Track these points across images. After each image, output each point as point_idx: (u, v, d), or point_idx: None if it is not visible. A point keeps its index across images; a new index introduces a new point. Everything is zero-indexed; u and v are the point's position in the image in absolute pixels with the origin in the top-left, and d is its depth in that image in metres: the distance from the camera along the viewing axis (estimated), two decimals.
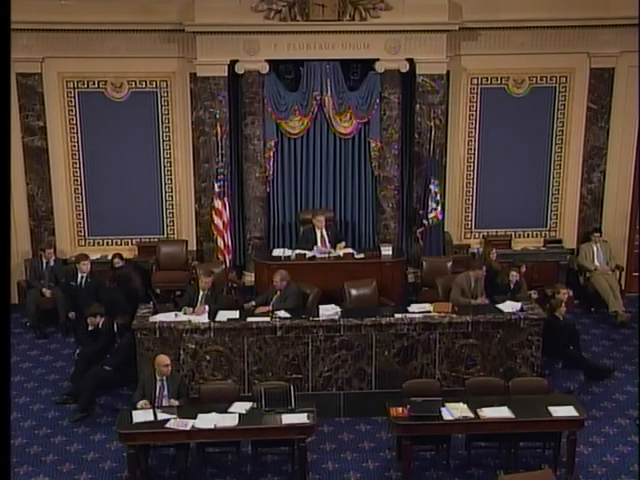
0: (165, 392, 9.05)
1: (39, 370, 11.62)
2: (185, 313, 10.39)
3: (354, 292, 11.47)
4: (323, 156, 13.48)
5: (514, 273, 11.70)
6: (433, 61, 12.84)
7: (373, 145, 13.34)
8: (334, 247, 12.69)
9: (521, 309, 10.49)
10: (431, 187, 12.87)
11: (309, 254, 12.49)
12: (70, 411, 10.33)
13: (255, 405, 8.91)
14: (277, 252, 12.77)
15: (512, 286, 11.63)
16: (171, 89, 13.24)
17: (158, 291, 12.96)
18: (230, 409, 8.85)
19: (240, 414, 8.75)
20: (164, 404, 8.98)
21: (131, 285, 12.40)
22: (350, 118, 13.23)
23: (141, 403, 8.91)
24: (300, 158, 13.50)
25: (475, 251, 13.70)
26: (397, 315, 10.33)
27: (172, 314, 10.39)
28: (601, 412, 10.26)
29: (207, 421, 8.60)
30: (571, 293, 12.09)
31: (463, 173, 13.78)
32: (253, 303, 11.16)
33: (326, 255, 12.51)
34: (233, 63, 12.82)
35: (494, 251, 12.78)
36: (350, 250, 12.75)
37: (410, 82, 13.14)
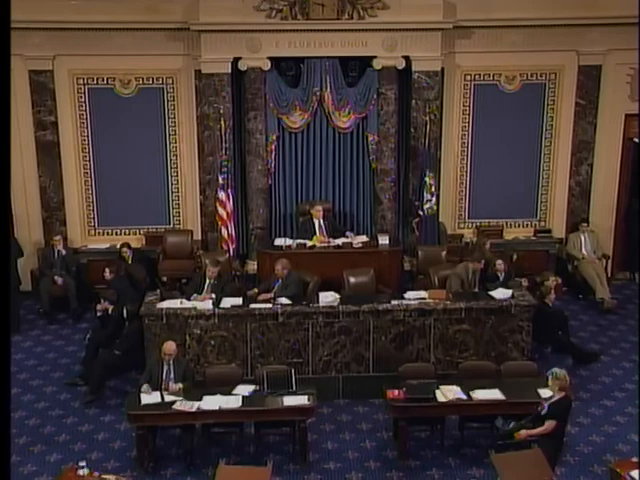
0: (172, 375, 9.22)
1: (51, 354, 11.87)
2: (195, 300, 10.66)
3: (352, 280, 11.64)
4: (323, 150, 13.59)
5: (500, 261, 11.75)
6: (428, 58, 12.98)
7: (371, 139, 13.48)
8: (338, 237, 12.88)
9: (512, 296, 10.69)
10: (426, 179, 13.05)
11: (309, 243, 12.60)
12: (81, 393, 10.58)
13: (258, 388, 9.14)
14: (279, 242, 12.85)
15: (503, 274, 11.73)
16: (177, 85, 13.40)
17: (165, 279, 13.21)
18: (234, 391, 9.07)
19: (243, 396, 8.97)
20: (170, 387, 9.17)
21: (135, 277, 12.53)
22: (349, 113, 13.36)
23: (144, 387, 9.10)
24: (300, 152, 13.62)
25: (468, 240, 13.86)
26: (394, 302, 10.53)
27: (178, 301, 10.59)
28: (588, 394, 10.53)
29: (212, 403, 8.81)
30: (560, 281, 12.26)
31: (457, 166, 13.96)
32: (256, 290, 11.34)
33: (326, 244, 12.63)
34: (236, 60, 12.97)
35: (489, 242, 12.81)
36: (364, 238, 13.01)
37: (406, 78, 13.29)
